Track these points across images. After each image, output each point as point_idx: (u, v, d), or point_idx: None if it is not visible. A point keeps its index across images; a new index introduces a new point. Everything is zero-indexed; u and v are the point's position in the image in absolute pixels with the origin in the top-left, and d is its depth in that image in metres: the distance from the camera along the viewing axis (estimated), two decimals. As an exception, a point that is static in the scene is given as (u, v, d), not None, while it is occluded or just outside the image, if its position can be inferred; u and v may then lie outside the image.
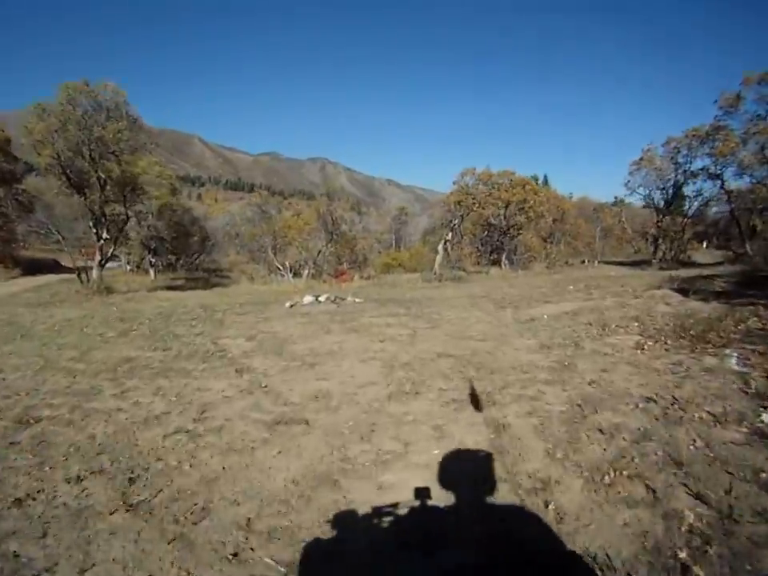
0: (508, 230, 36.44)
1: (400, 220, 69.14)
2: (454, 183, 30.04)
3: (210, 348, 9.13)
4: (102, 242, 21.34)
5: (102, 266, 21.54)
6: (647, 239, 43.55)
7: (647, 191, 35.63)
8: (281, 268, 31.12)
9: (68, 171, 20.28)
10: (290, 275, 30.12)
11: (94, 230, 21.07)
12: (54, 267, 33.04)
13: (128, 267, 35.12)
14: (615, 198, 50.70)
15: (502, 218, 35.68)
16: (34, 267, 31.63)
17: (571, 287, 17.80)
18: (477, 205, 29.76)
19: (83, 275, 21.49)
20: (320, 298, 16.29)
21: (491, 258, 38.36)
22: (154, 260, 32.09)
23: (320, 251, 30.87)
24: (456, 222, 29.56)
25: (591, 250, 49.22)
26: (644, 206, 38.07)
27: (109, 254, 22.53)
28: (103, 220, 21.44)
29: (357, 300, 16.38)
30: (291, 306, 15.35)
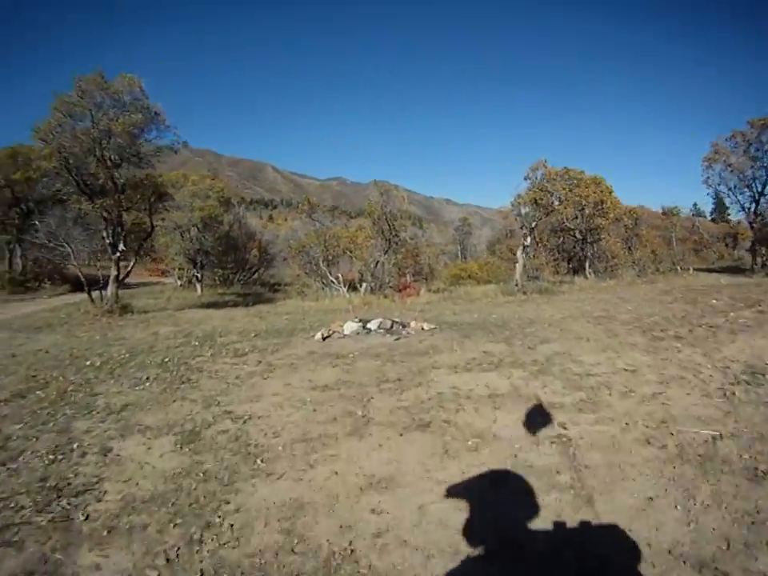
0: (586, 234, 30.27)
1: (463, 231, 64.46)
2: (526, 179, 24.17)
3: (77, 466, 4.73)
4: (119, 254, 17.08)
5: (118, 281, 17.41)
6: (727, 244, 40.84)
7: (727, 188, 31.03)
8: (334, 281, 26.15)
9: (75, 172, 16.39)
10: (345, 289, 25.09)
11: (109, 241, 16.85)
12: (106, 283, 29.52)
13: (179, 282, 31.46)
14: (695, 204, 46.21)
15: (580, 220, 29.51)
16: (80, 283, 28.35)
17: (714, 301, 12.38)
18: (557, 203, 23.86)
19: (96, 293, 17.26)
20: (370, 324, 11.27)
21: (570, 266, 32.37)
22: (199, 275, 27.74)
23: (378, 261, 25.71)
24: (533, 224, 23.71)
25: (670, 257, 42.52)
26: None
27: (130, 268, 18.18)
28: (119, 230, 17.26)
29: (425, 326, 11.43)
30: (324, 337, 10.37)
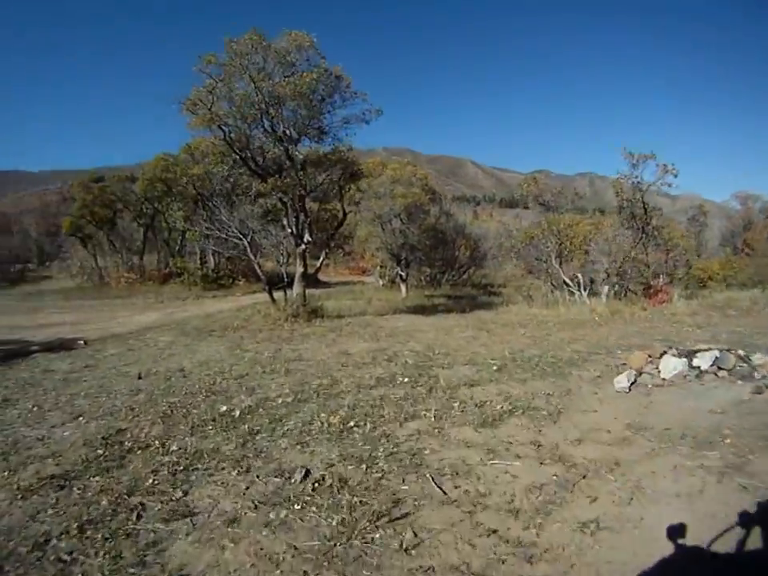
0: None
1: (698, 222, 53.48)
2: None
3: None
4: (305, 246, 14.45)
5: (305, 279, 14.96)
6: None
7: None
8: (569, 283, 20.91)
9: (238, 147, 13.98)
10: (585, 293, 19.77)
11: (291, 230, 14.30)
12: (291, 281, 28.02)
13: (380, 282, 28.69)
14: None
15: None
16: (279, 281, 27.33)
17: None
18: None
19: (280, 292, 14.58)
20: (698, 362, 6.35)
21: None
22: (404, 273, 24.27)
23: (626, 257, 20.11)
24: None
25: None
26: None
27: (320, 264, 15.23)
28: (303, 217, 14.63)
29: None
30: (631, 384, 5.80)
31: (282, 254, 15.02)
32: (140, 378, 7.64)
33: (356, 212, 16.75)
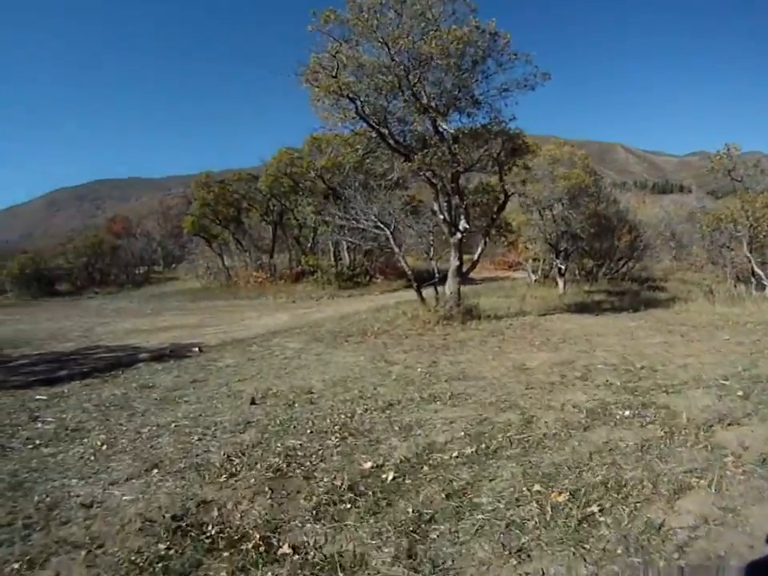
0: None
1: None
2: None
3: None
4: (460, 235, 12.47)
5: (461, 274, 12.85)
6: None
7: None
8: (761, 275, 17.98)
9: (373, 121, 11.88)
10: (781, 288, 16.99)
11: (443, 217, 12.48)
12: (443, 277, 26.49)
13: (533, 277, 25.97)
14: None
15: None
16: (419, 279, 25.90)
17: None
18: None
19: (430, 290, 12.71)
20: None
21: None
22: (563, 266, 21.50)
23: None
24: None
25: None
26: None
27: (478, 255, 13.31)
28: (458, 200, 12.62)
29: None
30: None
31: (431, 246, 13.08)
32: (253, 403, 6.18)
33: (516, 187, 14.28)
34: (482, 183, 16.27)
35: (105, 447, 4.85)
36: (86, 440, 5.10)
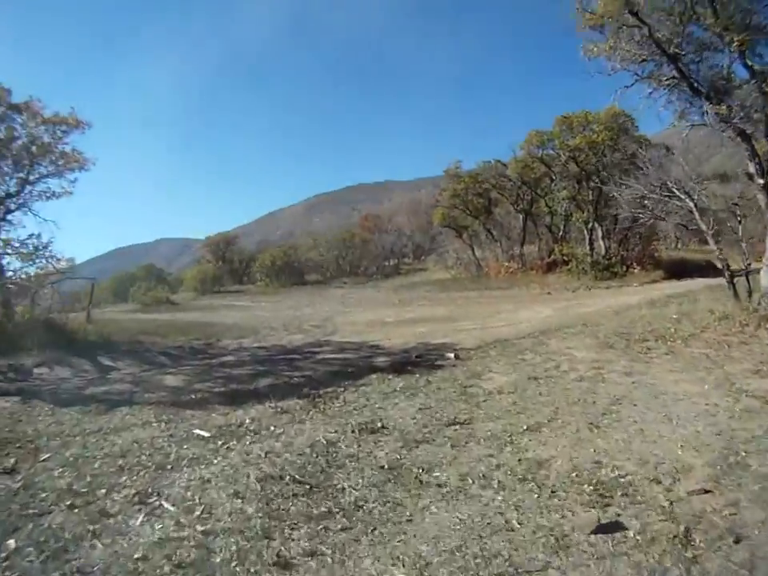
0: None
1: None
2: None
3: None
4: None
5: None
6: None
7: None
8: None
9: (671, 54, 9.57)
10: None
11: (762, 182, 9.71)
12: (706, 271, 23.22)
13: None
14: None
15: None
16: (677, 270, 23.59)
17: None
18: None
19: (736, 285, 10.23)
20: None
21: None
22: None
23: None
24: None
25: None
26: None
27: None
28: None
29: None
30: None
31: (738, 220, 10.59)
32: (598, 530, 3.01)
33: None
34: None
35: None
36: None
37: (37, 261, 12.51)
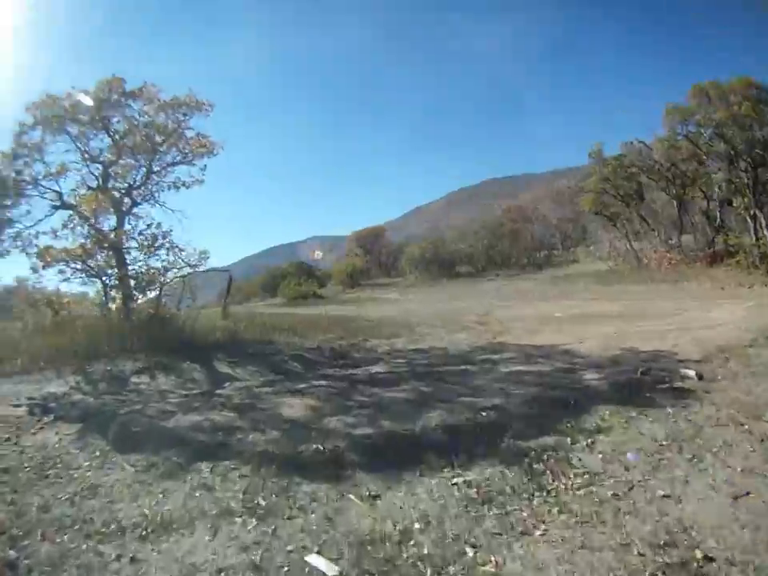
0: None
1: None
2: None
3: None
4: None
5: None
6: None
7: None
8: None
9: None
10: None
11: None
12: None
13: None
14: None
15: None
16: None
17: None
18: None
19: None
20: None
21: None
22: None
23: None
24: None
25: None
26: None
27: None
28: None
29: None
30: None
31: None
32: None
33: None
34: None
35: None
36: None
37: (158, 252, 11.56)
